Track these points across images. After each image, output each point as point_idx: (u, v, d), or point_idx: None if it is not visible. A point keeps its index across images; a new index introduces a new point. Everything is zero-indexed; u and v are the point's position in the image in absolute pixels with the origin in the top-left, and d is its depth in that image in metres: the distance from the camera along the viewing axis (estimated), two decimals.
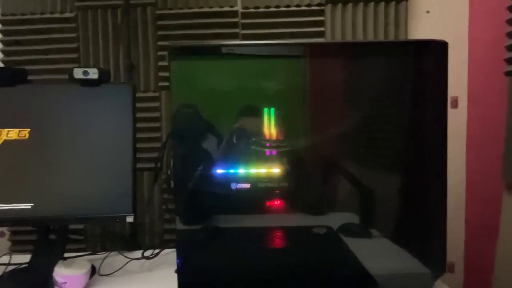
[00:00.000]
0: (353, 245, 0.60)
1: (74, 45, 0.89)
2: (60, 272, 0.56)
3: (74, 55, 0.89)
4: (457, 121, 0.92)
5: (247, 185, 0.56)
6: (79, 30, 0.89)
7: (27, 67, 0.88)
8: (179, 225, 0.57)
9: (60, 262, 0.60)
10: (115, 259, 0.73)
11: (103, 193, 0.57)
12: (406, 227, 0.61)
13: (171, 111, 0.58)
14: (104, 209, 0.57)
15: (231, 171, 0.57)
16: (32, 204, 0.56)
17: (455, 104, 0.92)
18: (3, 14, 0.89)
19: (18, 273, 0.63)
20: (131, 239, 0.83)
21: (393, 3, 0.87)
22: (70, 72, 0.55)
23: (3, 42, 0.90)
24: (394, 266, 0.59)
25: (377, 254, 0.60)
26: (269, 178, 0.57)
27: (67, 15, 0.89)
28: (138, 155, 0.77)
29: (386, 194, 0.62)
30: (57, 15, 0.89)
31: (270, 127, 0.62)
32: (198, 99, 0.58)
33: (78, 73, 0.54)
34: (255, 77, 0.61)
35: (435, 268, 0.58)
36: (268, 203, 0.57)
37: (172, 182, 0.74)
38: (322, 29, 0.88)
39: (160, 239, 0.86)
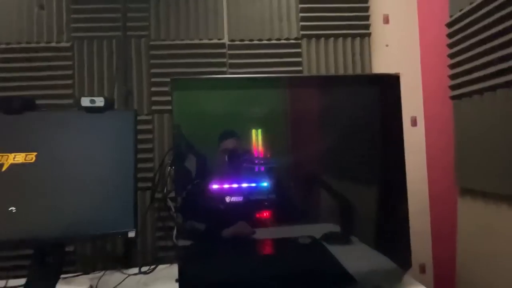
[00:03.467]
0: (335, 251, 0.69)
1: (69, 72, 0.94)
2: None
3: (69, 81, 0.94)
4: (417, 137, 1.06)
5: (240, 198, 0.63)
6: (74, 59, 0.95)
7: (22, 93, 0.92)
8: (179, 236, 0.62)
9: (59, 280, 0.62)
10: (109, 277, 0.75)
11: (107, 211, 0.61)
12: (378, 231, 0.71)
13: (172, 138, 0.64)
14: (107, 227, 0.60)
15: (226, 186, 0.64)
16: (33, 225, 0.58)
17: (414, 123, 1.07)
18: None
19: None
20: (124, 258, 0.84)
21: (358, 38, 1.02)
22: (76, 100, 0.60)
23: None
24: (370, 266, 0.68)
25: (356, 257, 0.69)
26: (259, 192, 0.65)
27: (63, 44, 0.95)
28: None
29: (361, 205, 0.71)
30: (53, 44, 0.94)
31: (258, 147, 0.70)
32: (197, 123, 0.66)
33: (85, 102, 0.60)
34: (245, 104, 0.70)
35: (403, 264, 0.67)
36: (258, 214, 0.64)
37: (169, 200, 0.79)
38: (299, 59, 1.00)
39: (153, 257, 0.89)
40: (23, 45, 0.93)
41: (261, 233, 0.67)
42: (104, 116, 0.62)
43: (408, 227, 0.68)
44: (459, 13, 0.82)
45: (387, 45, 1.07)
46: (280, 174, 0.67)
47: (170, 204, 0.80)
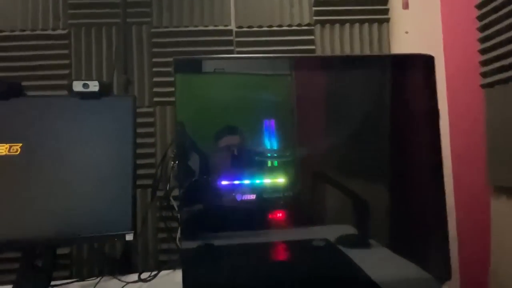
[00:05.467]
0: (353, 256, 0.61)
1: (66, 62, 0.88)
2: None
3: (66, 71, 0.88)
4: (441, 131, 0.98)
5: (253, 196, 0.56)
6: (72, 47, 0.89)
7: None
8: (184, 240, 0.55)
9: (49, 287, 0.55)
10: (108, 284, 0.68)
11: (101, 210, 0.54)
12: (405, 235, 0.63)
13: (175, 124, 0.57)
14: (101, 228, 0.53)
15: (236, 182, 0.56)
16: (21, 225, 0.51)
17: None
18: None
19: None
20: (123, 262, 0.78)
21: (376, 24, 0.95)
22: (68, 84, 0.54)
23: None
24: (397, 273, 0.60)
25: (379, 263, 0.61)
26: (274, 189, 0.57)
27: (59, 32, 0.89)
28: None
29: (381, 205, 0.64)
30: (49, 32, 0.88)
31: (270, 139, 0.63)
32: (201, 110, 0.59)
33: (77, 86, 0.53)
34: (254, 90, 0.63)
35: (439, 274, 0.59)
36: (271, 215, 0.57)
37: (171, 198, 0.72)
38: (312, 47, 0.93)
39: (155, 260, 0.82)
40: (17, 33, 0.88)
41: (272, 235, 0.60)
42: (99, 103, 0.55)
43: (446, 229, 0.60)
44: None
45: (406, 32, 0.99)
46: (297, 169, 0.59)
47: (173, 203, 0.73)
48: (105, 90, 0.55)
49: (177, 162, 0.55)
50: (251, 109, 0.62)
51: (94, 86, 0.53)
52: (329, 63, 0.65)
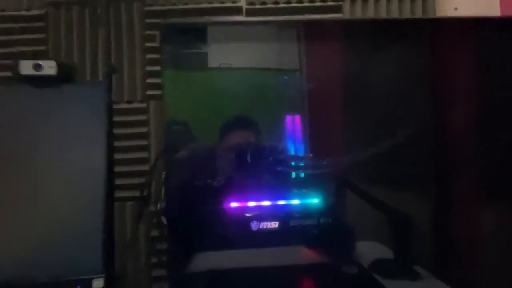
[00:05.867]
0: None
1: (42, 48, 0.74)
2: None
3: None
4: None
5: (275, 224, 0.39)
6: (49, 31, 0.74)
7: None
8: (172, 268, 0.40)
9: None
10: None
11: (58, 245, 0.38)
12: (468, 264, 0.47)
13: (163, 123, 0.42)
14: (58, 270, 0.38)
15: (251, 203, 0.40)
16: None
17: None
18: None
19: None
20: None
21: None
22: (13, 65, 0.37)
23: None
24: None
25: None
26: (303, 213, 0.40)
27: (34, 12, 0.74)
28: (120, 182, 0.61)
29: (430, 221, 0.48)
30: (22, 13, 0.74)
31: (295, 141, 0.46)
32: (199, 105, 0.43)
33: (26, 68, 0.37)
34: (268, 78, 0.47)
35: None
36: (306, 250, 0.40)
37: (163, 217, 0.57)
38: None
39: None
40: None
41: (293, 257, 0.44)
42: (58, 92, 0.39)
43: None
44: None
45: (456, 9, 0.81)
46: (335, 183, 0.43)
47: (164, 221, 0.57)
48: (65, 74, 0.39)
49: (165, 176, 0.39)
50: (267, 102, 0.46)
51: (49, 68, 0.37)
52: (359, 31, 0.47)
